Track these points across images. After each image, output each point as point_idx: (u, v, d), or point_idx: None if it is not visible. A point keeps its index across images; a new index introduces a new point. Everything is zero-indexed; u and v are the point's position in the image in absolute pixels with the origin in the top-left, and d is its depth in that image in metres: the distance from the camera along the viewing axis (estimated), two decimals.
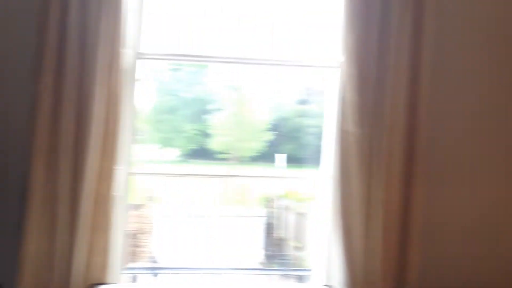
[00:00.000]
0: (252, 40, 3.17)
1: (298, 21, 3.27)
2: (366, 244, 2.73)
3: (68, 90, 2.58)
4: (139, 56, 2.86)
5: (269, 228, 10.33)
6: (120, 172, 2.74)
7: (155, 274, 3.96)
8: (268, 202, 10.82)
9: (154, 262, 4.11)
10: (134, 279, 3.83)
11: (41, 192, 2.56)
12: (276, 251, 10.04)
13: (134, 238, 4.12)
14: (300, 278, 3.59)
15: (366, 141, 2.74)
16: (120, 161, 2.71)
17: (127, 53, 2.72)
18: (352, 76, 2.76)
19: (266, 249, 10.07)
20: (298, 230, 9.70)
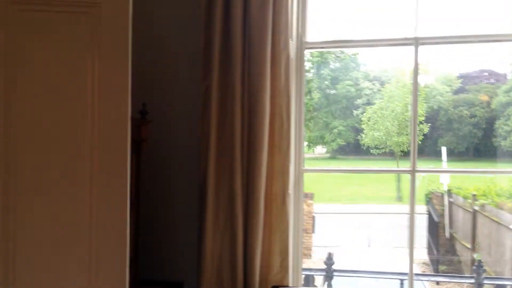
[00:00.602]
0: (425, 18, 2.79)
1: None
2: None
3: (235, 85, 2.50)
4: (306, 45, 2.69)
5: (435, 227, 9.59)
6: (292, 170, 2.60)
7: (328, 277, 3.79)
8: (432, 199, 10.07)
9: (326, 263, 3.93)
10: (308, 281, 3.73)
11: (216, 191, 2.53)
12: (444, 253, 9.27)
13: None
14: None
15: None
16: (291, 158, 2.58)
17: (294, 44, 2.58)
18: None
19: (433, 250, 9.36)
20: (469, 229, 8.83)
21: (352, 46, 3.10)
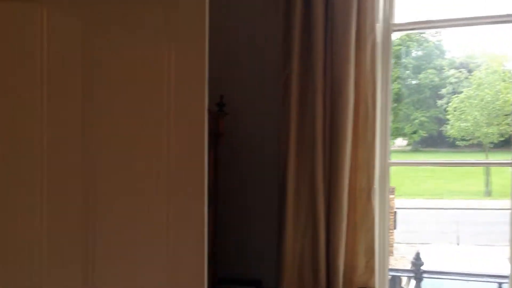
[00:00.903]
0: None
1: None
2: None
3: (317, 73, 2.35)
4: (393, 28, 2.48)
5: None
6: (377, 163, 2.42)
7: (417, 278, 3.53)
8: None
9: (413, 263, 3.66)
10: (394, 282, 3.49)
11: (297, 187, 2.40)
12: None
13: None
14: None
15: None
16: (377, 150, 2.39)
17: (380, 26, 2.39)
18: None
19: None
20: None
21: (445, 26, 2.78)
